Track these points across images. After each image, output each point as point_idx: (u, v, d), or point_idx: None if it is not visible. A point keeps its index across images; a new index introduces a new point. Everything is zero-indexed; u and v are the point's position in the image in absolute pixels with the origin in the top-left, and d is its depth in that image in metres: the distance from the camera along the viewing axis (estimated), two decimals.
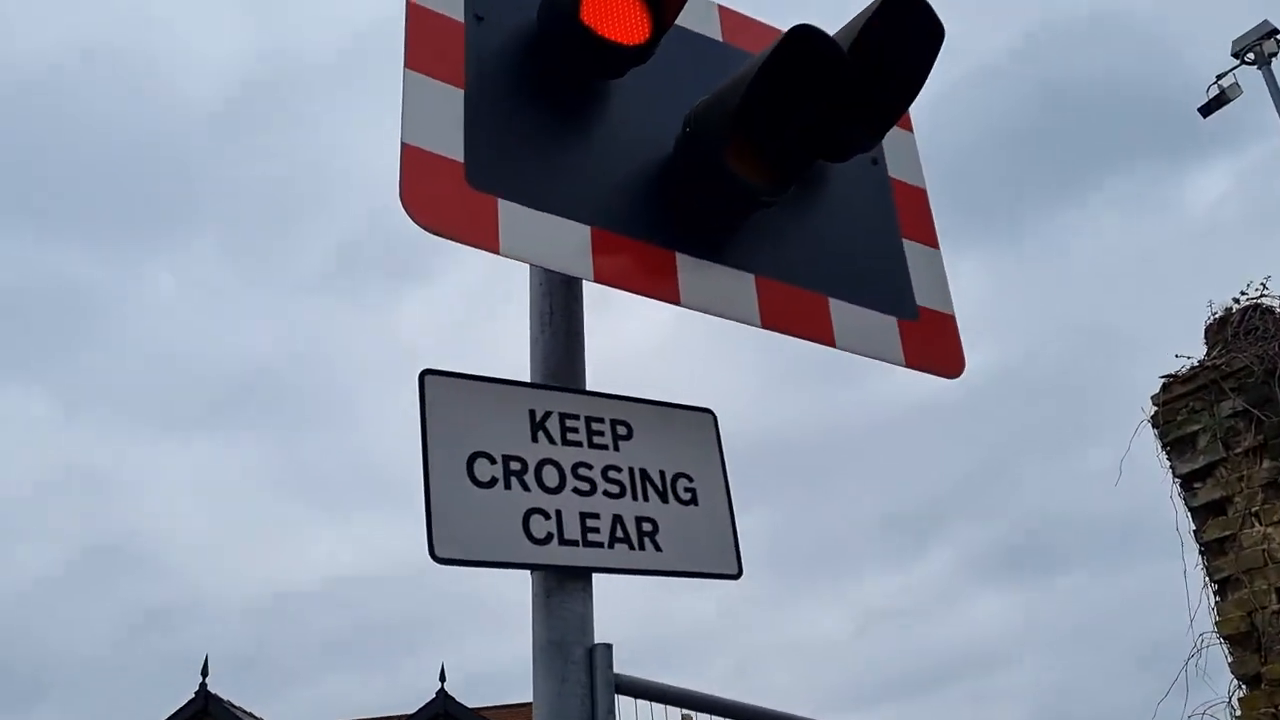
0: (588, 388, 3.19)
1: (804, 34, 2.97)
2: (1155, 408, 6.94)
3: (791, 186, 3.18)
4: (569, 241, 2.94)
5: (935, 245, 3.79)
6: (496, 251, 2.80)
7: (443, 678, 25.06)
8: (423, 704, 23.02)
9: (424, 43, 2.98)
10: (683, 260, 3.13)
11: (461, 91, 2.98)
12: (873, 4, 3.32)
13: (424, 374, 2.90)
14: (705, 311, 3.10)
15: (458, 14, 3.11)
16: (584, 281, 3.29)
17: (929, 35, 3.35)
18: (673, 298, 3.06)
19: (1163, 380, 6.93)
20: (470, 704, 24.06)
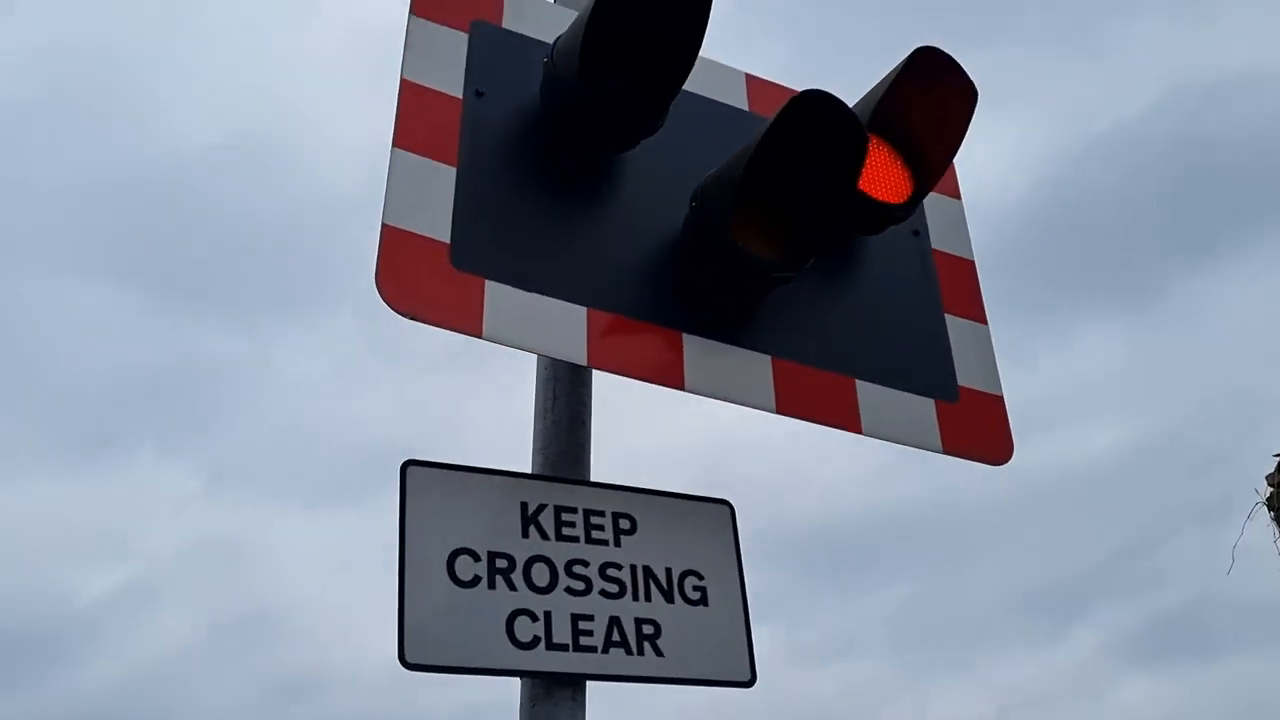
0: (593, 478, 3.01)
1: (808, 99, 2.78)
2: (1270, 489, 6.39)
3: (809, 261, 2.96)
4: (561, 324, 2.78)
5: (982, 320, 3.51)
6: (479, 336, 2.66)
7: None
8: None
9: (416, 121, 2.89)
10: (690, 342, 2.93)
11: (454, 169, 2.87)
12: (898, 65, 3.12)
13: (406, 465, 2.75)
14: (713, 397, 2.89)
15: (456, 90, 3.01)
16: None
17: (961, 96, 3.13)
18: (676, 382, 2.86)
19: (1277, 458, 6.39)
20: None
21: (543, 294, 2.79)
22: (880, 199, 3.22)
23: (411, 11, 3.08)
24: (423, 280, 2.66)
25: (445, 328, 2.64)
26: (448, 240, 2.75)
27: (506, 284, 2.76)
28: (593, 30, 2.84)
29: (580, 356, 2.77)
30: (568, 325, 2.79)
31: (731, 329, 3.01)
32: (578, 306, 2.82)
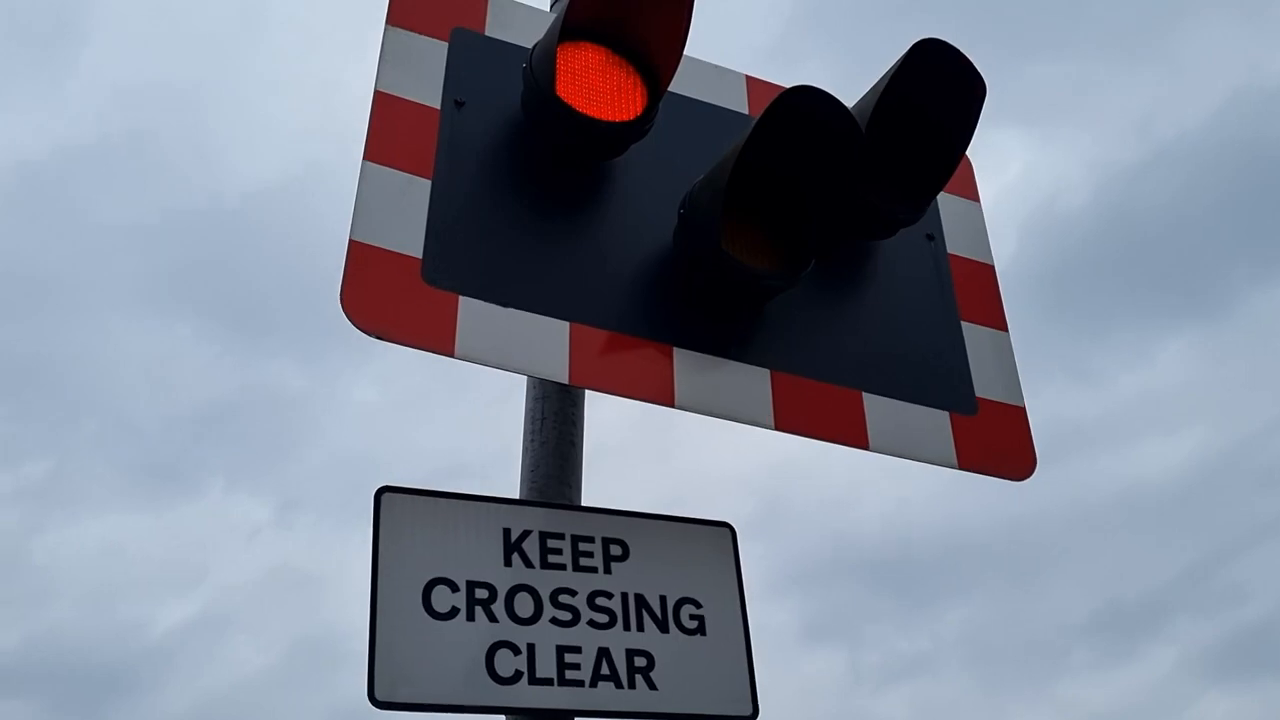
0: (584, 502, 2.87)
1: (796, 95, 2.63)
2: None
3: (807, 268, 2.79)
4: (542, 340, 2.64)
5: (1003, 327, 3.31)
6: (451, 355, 2.53)
7: None
8: None
9: (390, 133, 2.77)
10: (682, 357, 2.78)
11: (429, 182, 2.75)
12: (899, 59, 2.95)
13: (380, 492, 2.63)
14: (706, 414, 2.73)
15: (434, 101, 2.90)
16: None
17: (967, 90, 2.95)
18: (665, 399, 2.70)
19: None
20: None
21: (522, 309, 2.66)
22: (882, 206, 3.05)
23: (387, 21, 2.98)
24: (391, 298, 2.54)
25: (414, 346, 2.51)
26: (420, 255, 2.62)
27: (482, 299, 2.62)
28: (568, 31, 2.72)
29: (562, 374, 2.63)
30: (549, 341, 2.64)
31: (727, 342, 2.85)
32: (560, 321, 2.68)
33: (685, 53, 3.24)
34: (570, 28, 2.78)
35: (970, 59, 2.93)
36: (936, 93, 2.96)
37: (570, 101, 2.79)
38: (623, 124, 2.85)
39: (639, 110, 2.89)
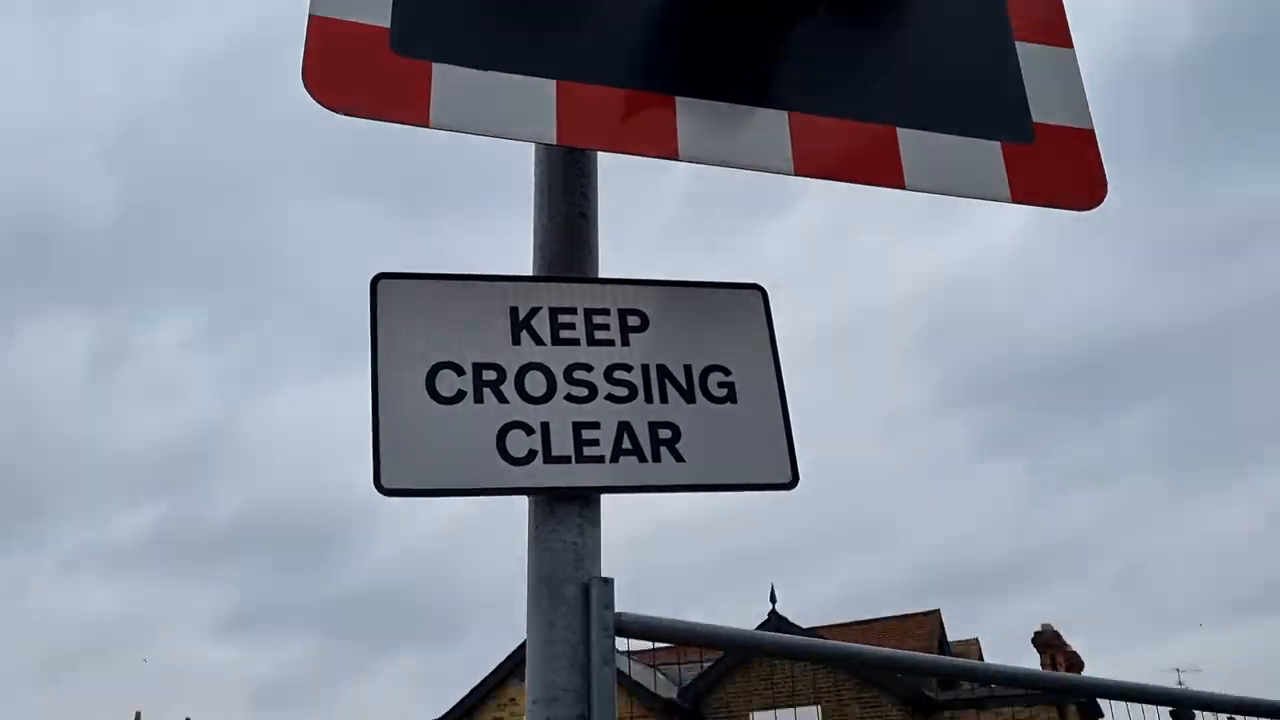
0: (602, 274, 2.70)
1: None
2: None
3: None
4: (525, 101, 2.43)
5: (1066, 44, 2.92)
6: (426, 124, 2.35)
7: (773, 599, 25.20)
8: (757, 624, 23.22)
9: None
10: (685, 105, 2.53)
11: None
12: None
13: (376, 279, 2.52)
14: (714, 163, 2.50)
15: None
16: (598, 153, 2.82)
17: None
18: (669, 151, 2.48)
19: None
20: (803, 625, 24.09)
21: (503, 71, 2.45)
22: None
23: None
24: (359, 71, 2.37)
25: (386, 119, 2.34)
26: (387, 25, 2.43)
27: (458, 64, 2.43)
28: None
29: (549, 134, 2.42)
30: (533, 102, 2.44)
31: (738, 85, 2.59)
32: (545, 80, 2.47)
33: None
34: None
35: None
36: None
37: None
38: None
39: None
